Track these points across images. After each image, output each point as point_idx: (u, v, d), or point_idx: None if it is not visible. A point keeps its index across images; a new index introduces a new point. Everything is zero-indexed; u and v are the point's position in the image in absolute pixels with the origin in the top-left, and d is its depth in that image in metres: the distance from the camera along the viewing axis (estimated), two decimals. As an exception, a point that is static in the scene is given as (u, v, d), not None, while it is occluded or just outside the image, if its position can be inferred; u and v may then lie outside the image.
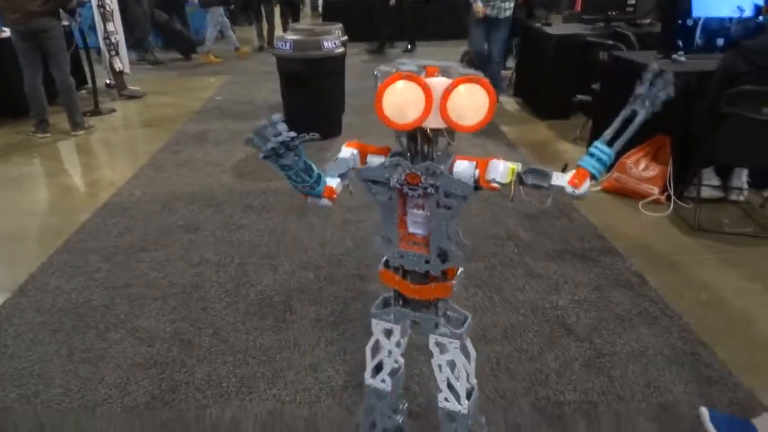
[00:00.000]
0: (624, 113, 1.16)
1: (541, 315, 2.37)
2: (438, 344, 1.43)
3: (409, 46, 9.70)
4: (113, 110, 5.95)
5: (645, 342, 2.19)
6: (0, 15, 4.79)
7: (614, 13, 5.49)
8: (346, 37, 4.93)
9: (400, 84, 1.13)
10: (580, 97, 4.95)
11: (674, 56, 3.63)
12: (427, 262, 1.33)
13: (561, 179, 1.18)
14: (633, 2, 5.77)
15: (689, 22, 3.71)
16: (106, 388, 2.01)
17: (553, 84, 5.29)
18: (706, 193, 3.33)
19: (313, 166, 1.17)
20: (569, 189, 1.18)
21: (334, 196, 1.25)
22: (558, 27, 5.78)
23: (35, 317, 2.42)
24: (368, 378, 1.57)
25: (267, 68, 7.78)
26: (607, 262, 2.79)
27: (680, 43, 3.69)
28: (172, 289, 2.61)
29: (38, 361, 2.15)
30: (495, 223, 3.20)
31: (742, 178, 3.48)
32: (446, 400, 1.47)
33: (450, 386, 1.45)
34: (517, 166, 1.20)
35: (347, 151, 1.29)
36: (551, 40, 5.18)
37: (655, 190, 3.43)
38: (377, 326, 1.48)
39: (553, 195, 1.19)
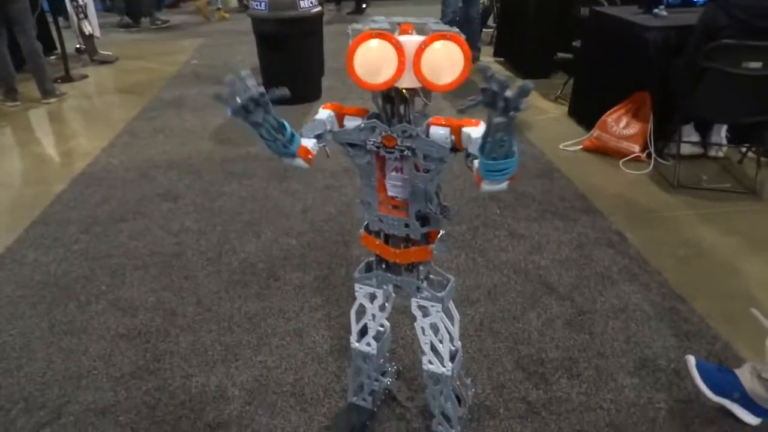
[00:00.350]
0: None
1: (524, 275, 2.39)
2: (420, 307, 1.44)
3: (364, 5, 9.02)
4: (85, 76, 5.76)
5: (625, 299, 2.23)
6: None
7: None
8: (323, -4, 4.80)
9: (372, 42, 1.09)
10: (561, 54, 4.91)
11: (655, 10, 3.59)
12: (406, 225, 1.32)
13: (475, 167, 1.15)
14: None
15: (670, -25, 3.66)
16: (90, 359, 2.00)
17: (533, 42, 5.22)
18: (685, 149, 3.35)
19: (286, 124, 1.16)
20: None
21: (310, 156, 1.23)
22: (539, -17, 5.67)
23: (14, 291, 2.39)
24: (354, 341, 1.59)
25: (242, 29, 7.58)
26: (588, 220, 2.81)
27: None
28: (153, 259, 2.58)
29: (19, 335, 2.13)
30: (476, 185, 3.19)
31: (721, 134, 3.50)
32: (430, 362, 1.49)
33: (433, 349, 1.47)
34: (473, 134, 1.16)
35: (324, 113, 1.27)
36: (532, -3, 5.09)
37: (636, 148, 3.44)
38: (360, 291, 1.48)
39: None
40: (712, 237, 2.69)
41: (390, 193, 1.32)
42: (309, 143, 1.24)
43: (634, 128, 3.45)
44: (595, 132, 3.61)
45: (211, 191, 3.22)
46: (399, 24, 1.14)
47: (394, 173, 1.29)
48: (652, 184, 3.21)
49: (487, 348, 1.99)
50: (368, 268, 1.49)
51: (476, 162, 1.12)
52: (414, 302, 1.44)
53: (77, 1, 5.99)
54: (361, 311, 1.53)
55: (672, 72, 3.25)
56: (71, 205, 3.10)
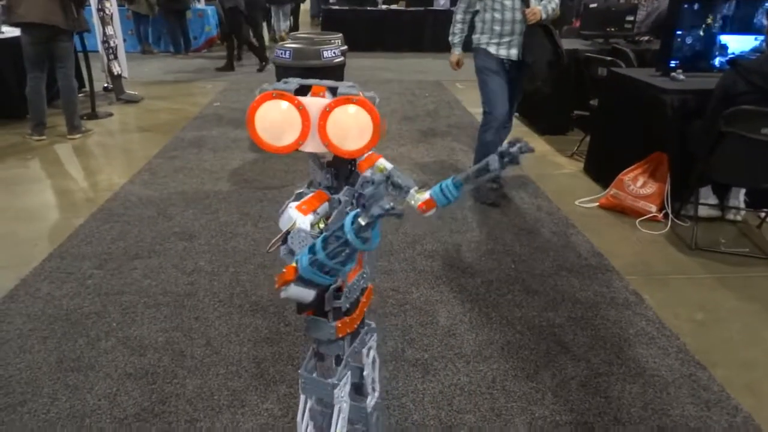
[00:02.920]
0: (481, 164, 1.15)
1: (538, 332, 2.35)
2: (369, 349, 1.43)
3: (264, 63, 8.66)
4: (110, 114, 5.92)
5: (642, 362, 2.17)
6: (8, 15, 4.75)
7: (613, 30, 5.52)
8: (345, 47, 4.94)
9: (273, 103, 1.05)
10: (578, 112, 4.98)
11: (672, 74, 3.65)
12: (364, 276, 1.29)
13: (414, 200, 1.21)
14: (631, 19, 5.81)
15: (688, 40, 3.73)
16: (95, 398, 1.97)
17: (551, 99, 5.30)
18: (703, 211, 3.34)
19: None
20: (418, 211, 1.22)
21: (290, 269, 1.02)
22: (557, 42, 5.80)
23: (25, 323, 2.38)
24: None
25: (264, 75, 7.82)
26: (604, 279, 2.77)
27: (678, 61, 3.72)
28: (165, 298, 2.58)
29: (26, 368, 2.11)
30: (492, 237, 3.19)
31: (739, 197, 3.48)
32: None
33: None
34: (387, 170, 1.21)
35: (305, 221, 1.11)
36: (550, 55, 5.19)
37: (653, 208, 3.42)
38: (342, 397, 1.30)
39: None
40: (730, 302, 2.64)
41: None
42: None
43: (651, 188, 3.45)
44: (612, 190, 3.61)
45: (226, 232, 3.24)
46: (312, 86, 1.10)
47: None
48: (668, 245, 3.18)
49: (499, 407, 1.94)
50: (337, 361, 1.31)
51: (413, 191, 1.22)
52: (365, 351, 1.42)
53: (108, 43, 6.23)
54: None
55: (690, 135, 3.27)
56: (88, 240, 3.12)
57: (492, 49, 3.52)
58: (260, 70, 8.65)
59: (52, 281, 2.70)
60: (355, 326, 1.32)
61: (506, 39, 3.46)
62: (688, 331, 2.39)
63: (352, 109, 1.04)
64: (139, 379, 2.07)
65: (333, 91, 1.08)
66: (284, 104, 1.05)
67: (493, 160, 1.10)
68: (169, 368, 2.12)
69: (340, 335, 1.26)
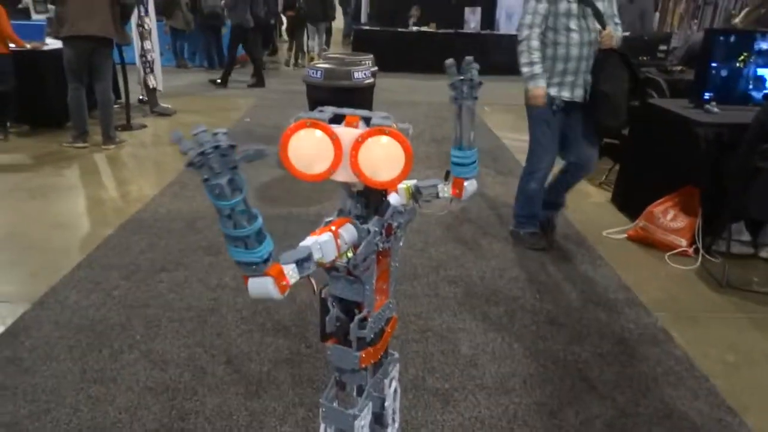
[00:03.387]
0: (456, 113, 1.29)
1: (563, 367, 2.30)
2: (392, 380, 1.41)
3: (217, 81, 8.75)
4: (144, 126, 6.06)
5: (670, 404, 2.11)
6: (59, 28, 4.95)
7: (645, 59, 5.48)
8: (376, 68, 4.99)
9: (307, 132, 1.05)
10: (607, 140, 4.92)
11: (707, 106, 3.59)
12: (389, 306, 1.29)
13: (446, 191, 1.28)
14: (664, 48, 5.77)
15: (723, 72, 3.68)
16: (116, 410, 1.99)
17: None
18: (735, 248, 3.26)
19: (260, 220, 0.91)
20: (455, 200, 1.29)
21: (286, 282, 0.96)
22: (588, 69, 5.77)
23: (53, 331, 2.42)
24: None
25: (294, 91, 7.88)
26: (632, 314, 2.72)
27: (713, 93, 3.66)
28: (188, 312, 2.60)
29: (52, 377, 2.15)
30: (516, 265, 3.15)
31: (773, 235, 3.39)
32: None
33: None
34: (411, 186, 1.27)
35: (323, 238, 1.06)
36: (581, 83, 5.16)
37: (683, 242, 3.35)
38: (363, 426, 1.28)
39: (450, 203, 1.31)
40: (763, 344, 2.56)
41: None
42: (288, 267, 0.97)
43: (682, 222, 3.38)
44: (641, 222, 3.54)
45: (251, 248, 3.26)
46: (345, 116, 1.10)
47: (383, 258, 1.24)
48: (699, 281, 3.10)
49: (521, 443, 1.90)
50: (359, 391, 1.30)
51: (440, 190, 1.30)
52: (386, 382, 1.40)
53: (146, 57, 6.40)
54: None
55: (724, 169, 3.20)
56: (117, 251, 3.18)
57: (553, 91, 3.09)
58: (251, 86, 8.77)
59: (80, 290, 2.75)
60: (379, 356, 1.31)
61: (570, 78, 3.06)
62: (719, 372, 2.31)
63: (384, 140, 1.04)
64: (159, 394, 2.08)
65: (367, 120, 1.08)
66: (318, 133, 1.05)
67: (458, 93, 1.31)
68: (190, 385, 2.13)
69: (364, 365, 1.25)
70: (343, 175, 1.07)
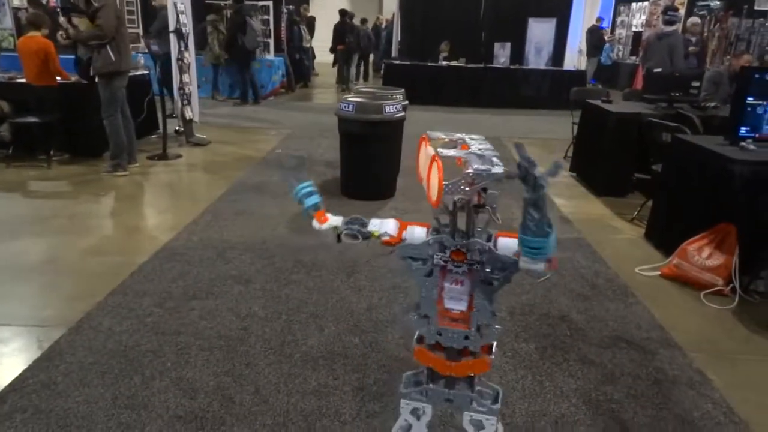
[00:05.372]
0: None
1: (595, 407, 2.25)
2: (473, 422, 1.40)
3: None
4: (179, 156, 6.23)
5: (708, 450, 2.04)
6: (122, 64, 5.25)
7: (677, 94, 5.45)
8: (406, 102, 5.07)
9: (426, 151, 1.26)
10: (638, 175, 4.87)
11: (742, 144, 3.54)
12: (466, 338, 1.32)
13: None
14: (697, 84, 5.72)
15: (760, 109, 3.63)
16: (145, 438, 2.01)
17: (610, 161, 5.23)
18: (774, 288, 3.16)
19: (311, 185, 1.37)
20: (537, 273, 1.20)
21: (325, 219, 1.37)
22: (618, 104, 5.76)
23: (86, 357, 2.47)
24: None
25: (326, 124, 8.06)
26: (666, 355, 2.64)
27: (749, 129, 3.61)
28: (219, 341, 2.63)
29: (84, 402, 2.18)
30: (547, 301, 3.11)
31: (814, 274, 3.28)
32: None
33: None
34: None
35: (389, 220, 1.37)
36: (611, 117, 5.16)
37: (719, 281, 3.27)
38: (407, 406, 1.46)
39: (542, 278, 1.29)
40: (807, 390, 2.46)
41: (447, 305, 1.33)
42: (336, 220, 1.37)
43: (718, 260, 3.30)
44: (675, 259, 3.47)
45: (280, 278, 3.30)
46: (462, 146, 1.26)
47: (453, 285, 1.31)
48: (737, 322, 3.01)
49: (552, 486, 1.85)
50: (416, 382, 1.47)
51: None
52: (467, 416, 1.41)
53: (184, 90, 6.62)
54: (405, 428, 1.48)
55: (762, 207, 3.14)
56: (150, 278, 3.25)
57: None
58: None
59: (114, 316, 2.81)
60: (444, 373, 1.40)
61: None
62: (760, 419, 2.22)
63: (433, 165, 1.19)
64: (188, 423, 2.09)
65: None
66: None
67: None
68: (218, 414, 2.14)
69: (416, 358, 1.42)
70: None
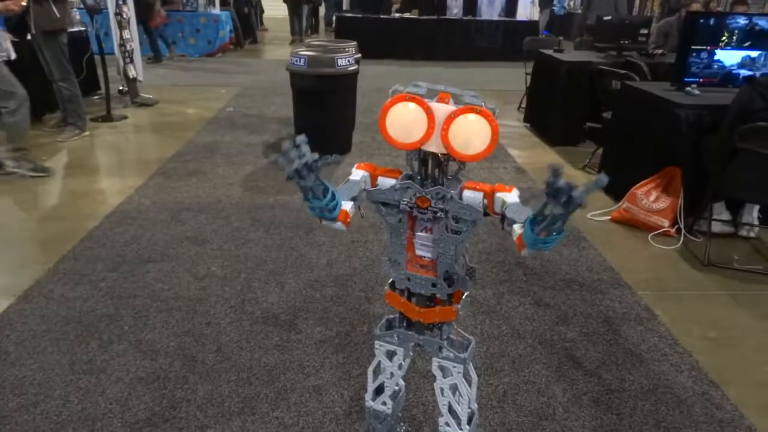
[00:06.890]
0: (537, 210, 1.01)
1: (550, 346, 2.34)
2: (441, 368, 1.43)
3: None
4: (125, 117, 5.97)
5: (654, 379, 2.16)
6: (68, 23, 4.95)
7: (626, 42, 5.52)
8: (359, 55, 4.96)
9: (404, 105, 1.16)
10: (590, 124, 4.97)
11: (687, 89, 3.64)
12: (434, 285, 1.34)
13: (514, 234, 1.13)
14: (645, 32, 5.81)
15: (704, 55, 3.73)
16: (106, 401, 1.98)
17: (563, 110, 5.30)
18: (716, 227, 3.31)
19: (331, 188, 1.16)
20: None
21: (348, 219, 1.24)
22: (570, 54, 5.82)
23: (39, 325, 2.40)
24: (369, 400, 1.56)
25: (278, 81, 7.85)
26: (616, 294, 2.76)
27: (694, 75, 3.71)
28: (177, 302, 2.59)
29: (39, 369, 2.13)
30: (503, 249, 3.18)
31: (753, 214, 3.46)
32: (447, 424, 1.46)
33: (451, 410, 1.45)
34: (507, 204, 1.17)
35: (358, 173, 1.30)
36: (563, 67, 5.20)
37: (665, 223, 3.41)
38: (380, 348, 1.48)
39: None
40: (744, 320, 2.62)
41: (418, 252, 1.34)
42: (347, 206, 1.24)
43: (664, 203, 3.43)
44: (624, 204, 3.59)
45: (237, 237, 3.25)
46: (438, 92, 1.19)
47: (423, 233, 1.31)
48: (681, 260, 3.16)
49: (510, 422, 1.93)
50: (389, 325, 1.49)
51: (515, 227, 1.12)
52: (435, 362, 1.43)
53: (125, 47, 6.29)
54: (379, 369, 1.52)
55: (704, 150, 3.26)
56: (101, 243, 3.15)
57: None
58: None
59: (66, 283, 2.72)
60: (410, 317, 1.41)
61: None
62: (702, 348, 2.37)
63: (472, 117, 1.12)
64: (150, 383, 2.08)
65: (457, 98, 1.17)
66: (414, 106, 1.15)
67: (551, 205, 0.93)
68: (180, 373, 2.13)
69: (388, 300, 1.43)
70: (434, 146, 1.17)
